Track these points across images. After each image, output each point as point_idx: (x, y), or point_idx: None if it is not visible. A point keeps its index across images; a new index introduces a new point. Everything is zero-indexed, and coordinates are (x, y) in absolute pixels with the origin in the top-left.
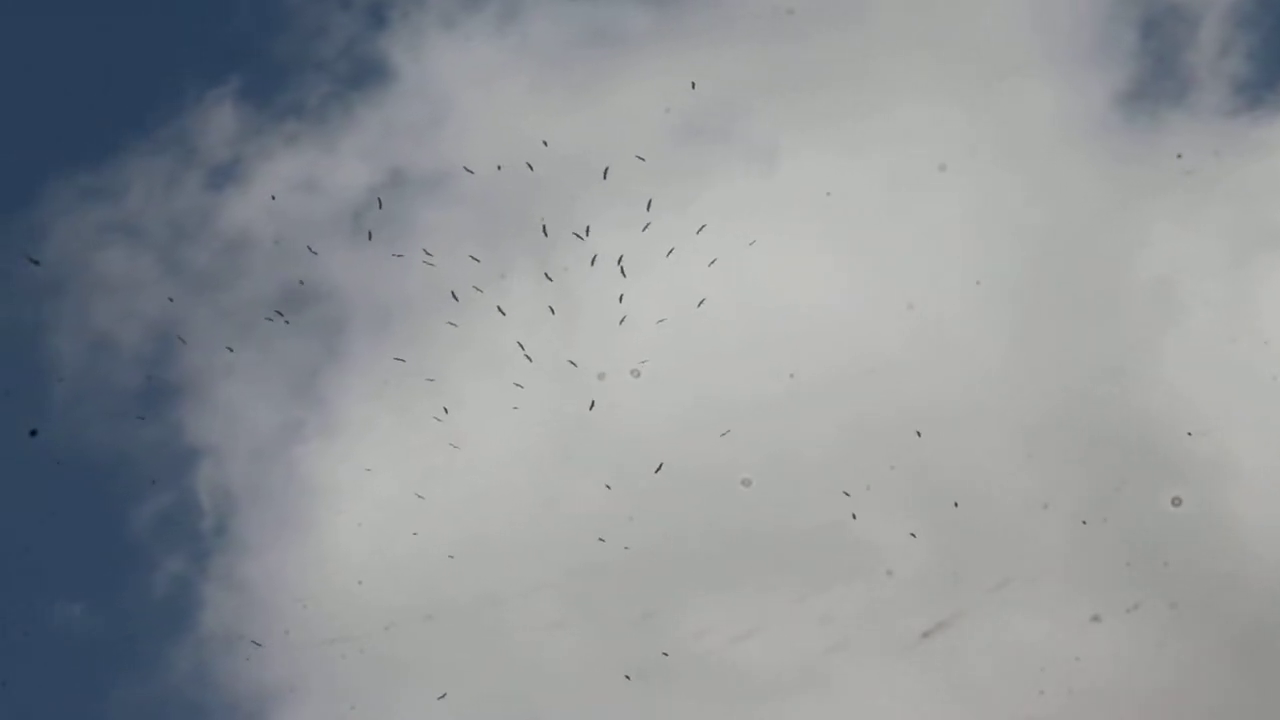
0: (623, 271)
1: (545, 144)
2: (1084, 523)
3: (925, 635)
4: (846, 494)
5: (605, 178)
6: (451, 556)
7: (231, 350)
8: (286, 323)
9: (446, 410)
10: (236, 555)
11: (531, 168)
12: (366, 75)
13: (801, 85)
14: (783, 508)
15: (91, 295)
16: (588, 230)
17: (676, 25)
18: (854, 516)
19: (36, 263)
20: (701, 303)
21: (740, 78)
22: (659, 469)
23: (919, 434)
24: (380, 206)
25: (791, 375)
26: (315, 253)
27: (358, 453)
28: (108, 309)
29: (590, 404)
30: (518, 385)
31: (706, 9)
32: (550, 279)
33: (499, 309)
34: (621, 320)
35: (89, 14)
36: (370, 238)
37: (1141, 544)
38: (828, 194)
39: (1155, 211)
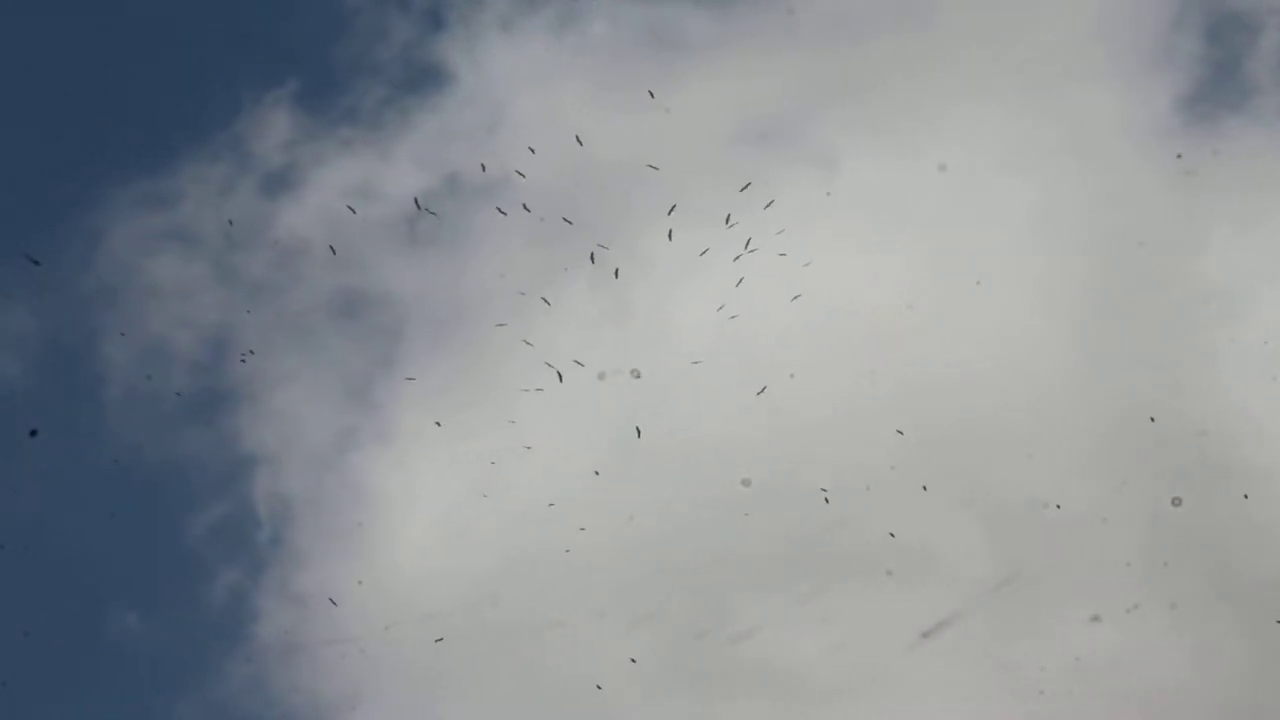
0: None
1: (582, 144)
2: (1146, 527)
3: (925, 635)
4: (923, 487)
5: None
6: (507, 564)
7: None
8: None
9: (513, 422)
10: (292, 565)
11: (586, 172)
12: (423, 79)
13: (863, 89)
14: (845, 515)
15: (146, 302)
16: (670, 234)
17: (736, 28)
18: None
19: (37, 263)
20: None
21: (801, 81)
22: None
23: (900, 432)
24: (424, 210)
25: (854, 384)
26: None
27: (413, 460)
28: (162, 316)
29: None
30: (572, 391)
31: (767, 11)
32: (608, 283)
33: (544, 300)
34: (675, 325)
35: (147, 20)
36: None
37: (1207, 550)
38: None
39: (1216, 217)
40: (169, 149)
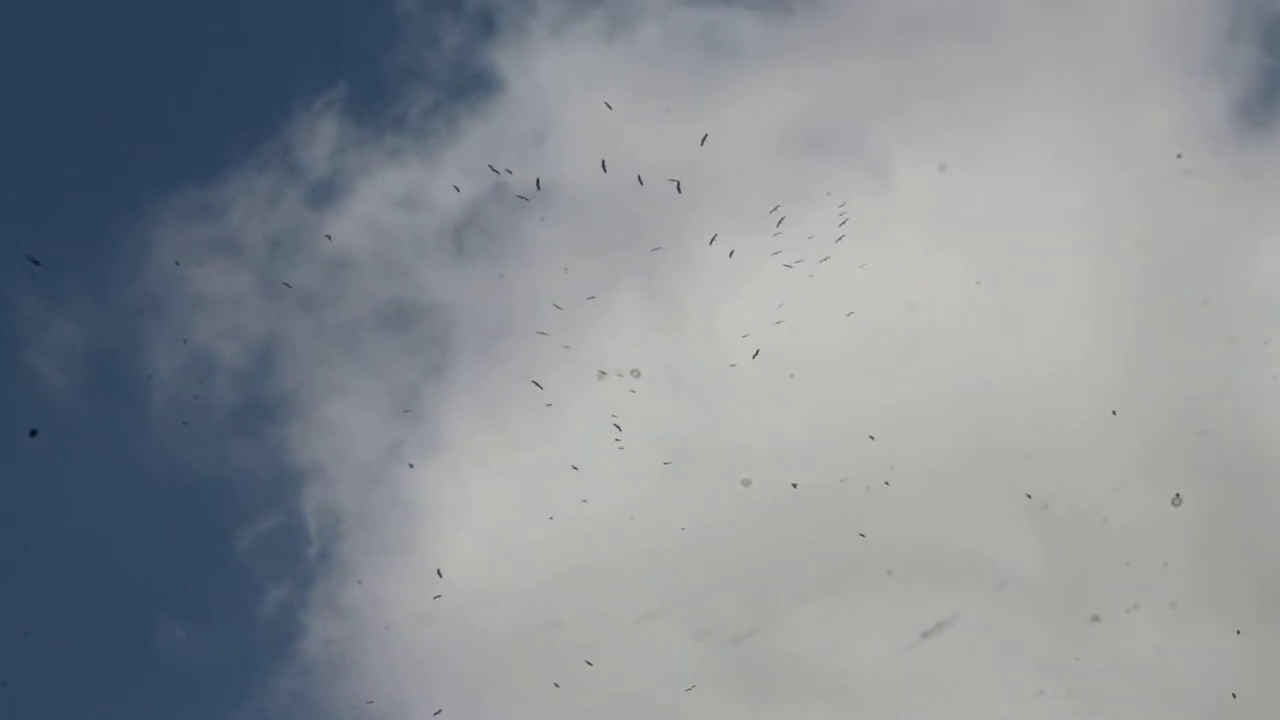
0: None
1: (649, 157)
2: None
3: (925, 635)
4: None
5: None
6: (556, 575)
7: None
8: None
9: (561, 432)
10: (340, 579)
11: (641, 181)
12: (472, 86)
13: (917, 98)
14: (897, 521)
15: (192, 312)
16: (712, 239)
17: (790, 35)
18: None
19: (37, 263)
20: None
21: (855, 89)
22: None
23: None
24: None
25: (904, 392)
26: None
27: (463, 472)
28: (208, 326)
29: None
30: (626, 397)
31: (821, 18)
32: (657, 291)
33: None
34: (724, 332)
35: (198, 29)
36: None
37: (1266, 558)
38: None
39: (1270, 225)
40: (218, 158)
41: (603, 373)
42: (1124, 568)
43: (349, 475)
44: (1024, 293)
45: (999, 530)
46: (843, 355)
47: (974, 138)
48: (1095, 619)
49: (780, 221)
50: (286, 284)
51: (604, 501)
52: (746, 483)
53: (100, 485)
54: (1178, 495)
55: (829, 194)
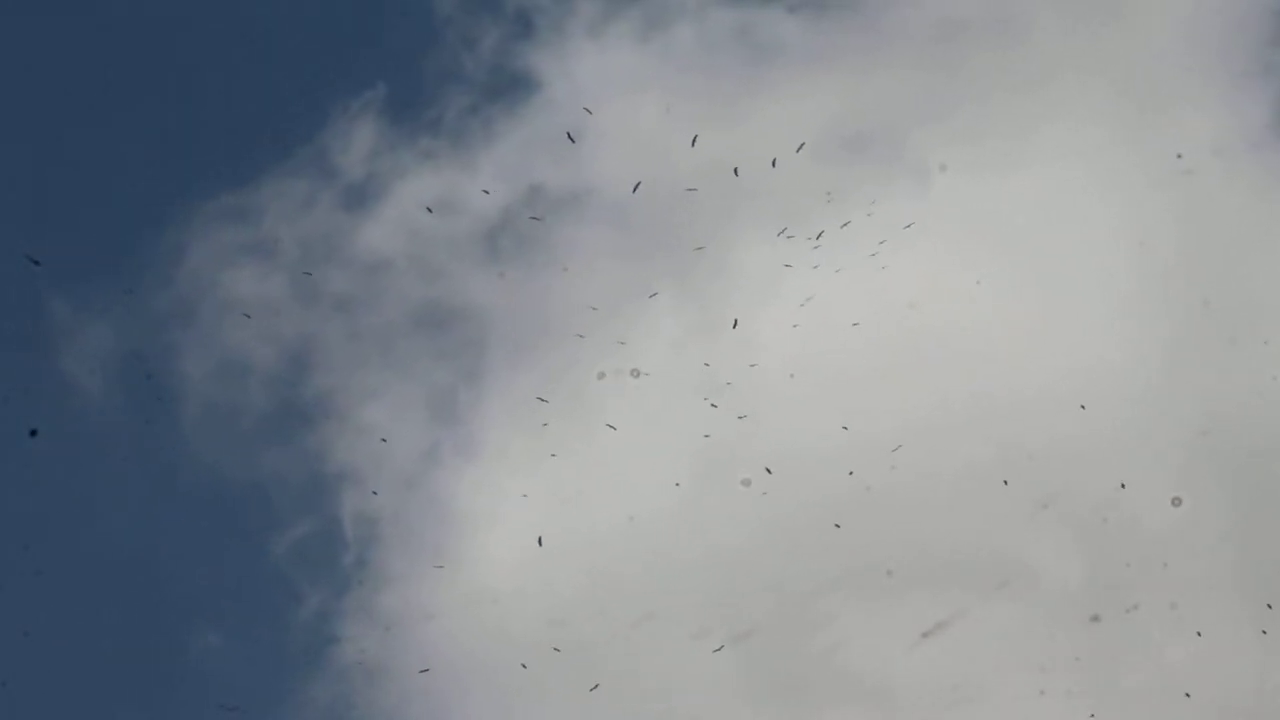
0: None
1: (687, 157)
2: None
3: (925, 635)
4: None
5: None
6: (593, 580)
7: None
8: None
9: (614, 426)
10: (376, 586)
11: (676, 183)
12: (509, 87)
13: (956, 103)
14: (928, 528)
15: (224, 317)
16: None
17: (829, 38)
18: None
19: (37, 263)
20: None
21: (891, 93)
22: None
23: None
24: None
25: (932, 397)
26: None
27: (499, 477)
28: (241, 331)
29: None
30: (656, 402)
31: (860, 21)
32: (693, 295)
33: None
34: (761, 337)
35: (236, 31)
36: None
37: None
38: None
39: None
40: (254, 162)
41: (602, 374)
42: (1124, 568)
43: (385, 481)
44: (1058, 299)
45: (1037, 538)
46: (873, 359)
47: (1010, 143)
48: (1095, 619)
49: (820, 235)
50: (307, 273)
51: (640, 504)
52: (746, 482)
53: (135, 490)
54: (1177, 498)
55: (864, 198)
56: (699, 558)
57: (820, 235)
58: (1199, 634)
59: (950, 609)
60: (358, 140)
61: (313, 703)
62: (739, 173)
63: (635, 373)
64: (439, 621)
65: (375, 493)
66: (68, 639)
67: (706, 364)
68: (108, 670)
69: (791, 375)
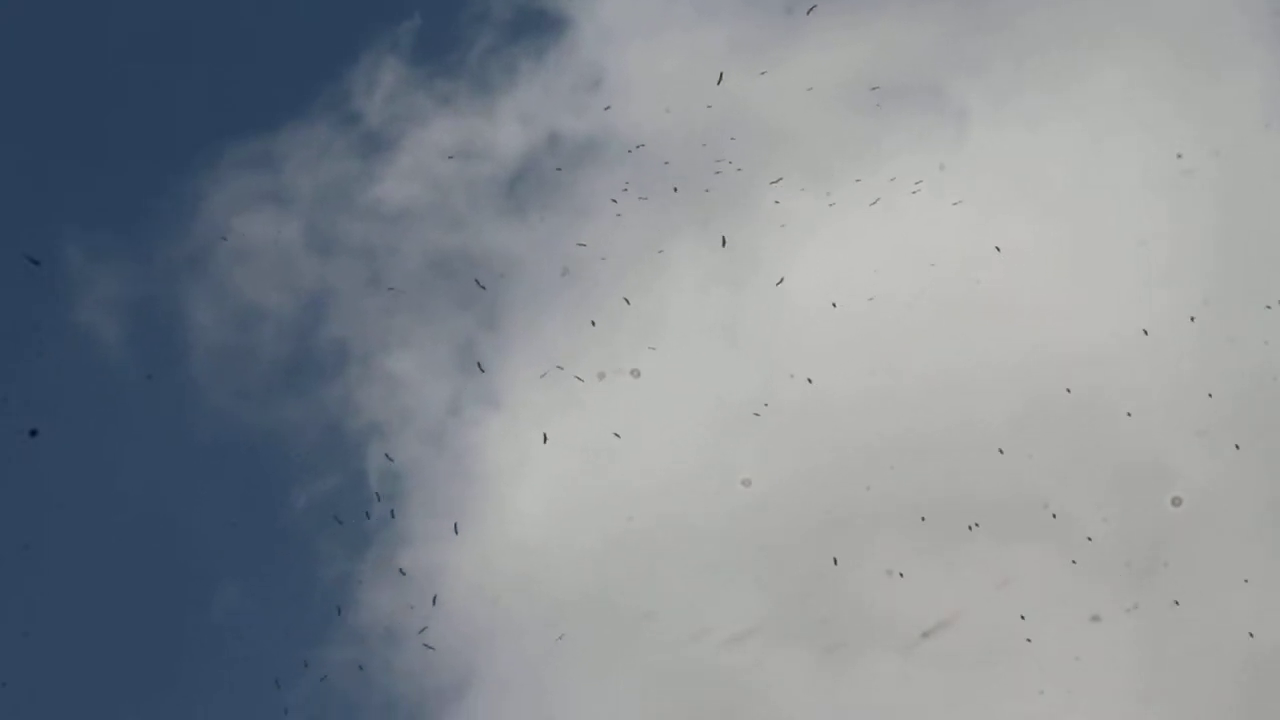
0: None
1: (710, 107)
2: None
3: (925, 635)
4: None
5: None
6: (620, 538)
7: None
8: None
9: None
10: (398, 543)
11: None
12: (534, 27)
13: (995, 54)
14: (961, 482)
15: (237, 267)
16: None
17: None
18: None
19: (37, 263)
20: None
21: (929, 42)
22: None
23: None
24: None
25: (969, 352)
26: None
27: (522, 430)
28: (256, 281)
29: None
30: (683, 355)
31: None
32: (716, 247)
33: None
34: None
35: None
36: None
37: None
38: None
39: None
40: (275, 109)
41: (603, 374)
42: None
43: (408, 434)
44: (1097, 256)
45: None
46: (905, 312)
47: (1053, 96)
48: (1095, 619)
49: (857, 182)
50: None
51: (663, 457)
52: (746, 483)
53: (151, 440)
54: (1177, 498)
55: (900, 148)
56: (734, 506)
57: (857, 182)
58: (1246, 580)
59: (990, 559)
60: (380, 86)
61: (332, 662)
62: (766, 120)
63: (635, 372)
64: (462, 580)
65: (389, 457)
66: (85, 595)
67: (732, 314)
68: (128, 626)
69: (821, 322)
